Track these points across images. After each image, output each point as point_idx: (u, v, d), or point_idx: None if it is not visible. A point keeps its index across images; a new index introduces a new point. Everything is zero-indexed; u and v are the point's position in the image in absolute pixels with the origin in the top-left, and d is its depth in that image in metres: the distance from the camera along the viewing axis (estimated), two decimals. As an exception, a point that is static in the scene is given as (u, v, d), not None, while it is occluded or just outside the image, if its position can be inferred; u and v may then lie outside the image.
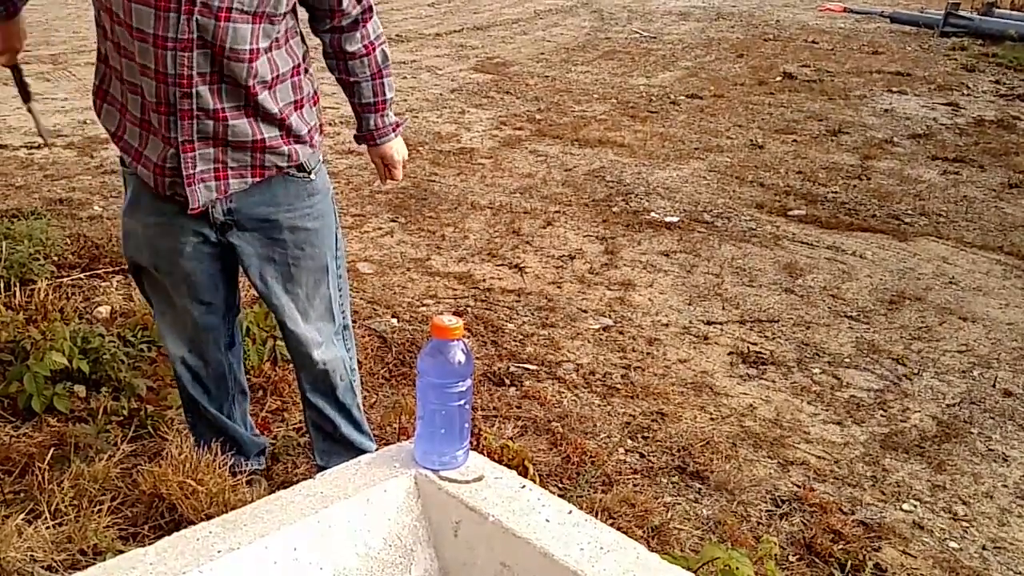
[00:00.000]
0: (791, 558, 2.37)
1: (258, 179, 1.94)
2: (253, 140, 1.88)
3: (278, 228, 2.03)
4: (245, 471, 2.34)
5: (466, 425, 1.42)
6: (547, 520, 1.31)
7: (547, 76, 7.71)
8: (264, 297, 2.14)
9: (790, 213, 4.86)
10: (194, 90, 1.78)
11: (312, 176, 2.05)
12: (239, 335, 2.37)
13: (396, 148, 2.21)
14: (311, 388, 2.25)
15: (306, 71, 1.99)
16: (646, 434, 2.85)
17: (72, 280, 3.44)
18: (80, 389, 2.67)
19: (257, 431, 2.51)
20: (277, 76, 1.88)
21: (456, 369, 1.36)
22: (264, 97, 1.86)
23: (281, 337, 2.31)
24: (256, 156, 1.91)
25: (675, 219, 4.67)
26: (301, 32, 1.98)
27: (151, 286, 2.17)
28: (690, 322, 3.61)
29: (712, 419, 2.96)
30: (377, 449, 2.25)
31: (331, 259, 2.15)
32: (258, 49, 1.80)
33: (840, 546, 2.40)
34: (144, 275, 2.14)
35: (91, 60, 7.09)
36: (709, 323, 3.61)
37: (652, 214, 4.73)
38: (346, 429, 2.30)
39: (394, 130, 2.18)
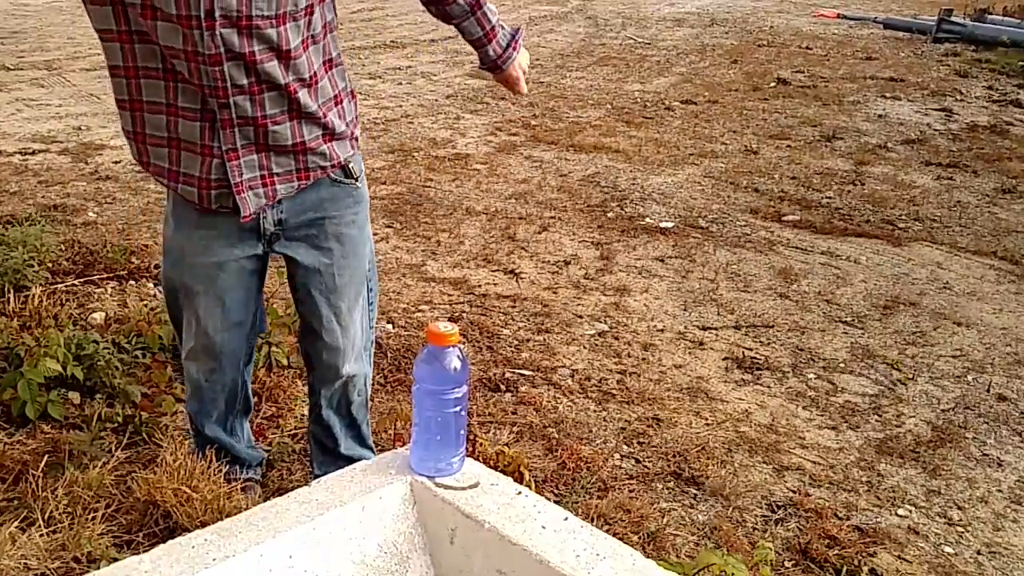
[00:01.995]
0: (787, 564, 2.37)
1: (304, 182, 1.92)
2: (294, 143, 1.86)
3: (324, 235, 2.00)
4: (240, 479, 2.33)
5: (462, 431, 1.42)
6: (543, 527, 1.31)
7: (542, 82, 7.73)
8: (304, 307, 2.11)
9: (784, 218, 4.87)
10: (231, 100, 1.76)
11: (358, 183, 2.03)
12: (254, 352, 2.37)
13: (519, 65, 2.14)
14: (327, 403, 2.22)
15: (339, 65, 1.96)
16: (641, 439, 2.85)
17: (66, 286, 3.43)
18: (74, 396, 2.66)
19: (256, 444, 2.50)
20: (314, 74, 1.85)
21: (452, 375, 1.36)
22: (303, 95, 1.83)
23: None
24: (299, 159, 1.89)
25: (670, 224, 4.68)
26: (336, 26, 1.95)
27: (182, 307, 2.11)
28: (685, 327, 3.61)
29: (707, 424, 2.96)
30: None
31: (369, 271, 2.14)
32: (289, 49, 1.77)
33: (836, 551, 2.40)
34: (178, 295, 2.10)
35: (86, 66, 7.06)
36: (704, 328, 3.61)
37: (647, 219, 4.74)
38: (345, 446, 2.29)
39: (514, 49, 2.11)
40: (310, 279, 2.05)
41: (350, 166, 1.99)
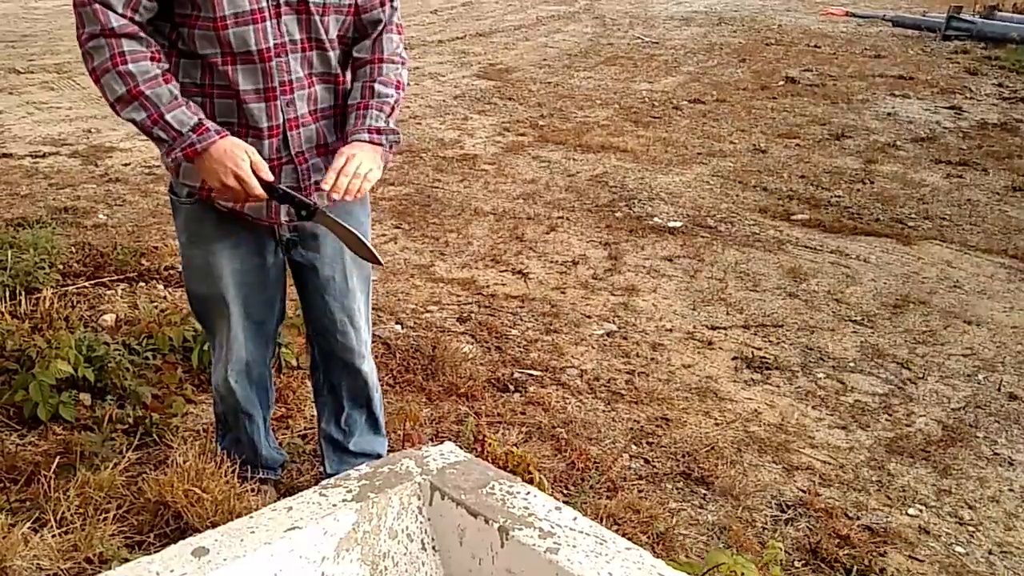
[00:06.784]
0: (797, 563, 2.36)
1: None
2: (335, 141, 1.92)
3: (338, 241, 2.01)
4: (253, 478, 2.33)
5: None
6: (552, 527, 1.31)
7: (549, 82, 7.73)
8: (317, 313, 2.12)
9: (793, 217, 4.86)
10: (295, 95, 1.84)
11: None
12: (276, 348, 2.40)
13: (361, 162, 2.00)
14: (352, 403, 2.25)
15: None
16: (650, 440, 2.84)
17: (77, 288, 3.45)
18: (85, 397, 2.67)
19: (278, 446, 2.50)
20: (340, 72, 1.94)
21: None
22: (344, 88, 1.93)
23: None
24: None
25: (678, 224, 4.67)
26: None
27: (212, 317, 2.10)
28: (694, 327, 3.61)
29: (717, 424, 2.95)
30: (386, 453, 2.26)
31: (371, 269, 2.17)
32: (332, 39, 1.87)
33: (846, 551, 2.40)
34: (211, 306, 2.07)
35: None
36: (713, 328, 3.61)
37: (655, 219, 4.73)
38: (356, 442, 2.31)
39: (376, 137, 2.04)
40: (326, 286, 2.07)
41: None
